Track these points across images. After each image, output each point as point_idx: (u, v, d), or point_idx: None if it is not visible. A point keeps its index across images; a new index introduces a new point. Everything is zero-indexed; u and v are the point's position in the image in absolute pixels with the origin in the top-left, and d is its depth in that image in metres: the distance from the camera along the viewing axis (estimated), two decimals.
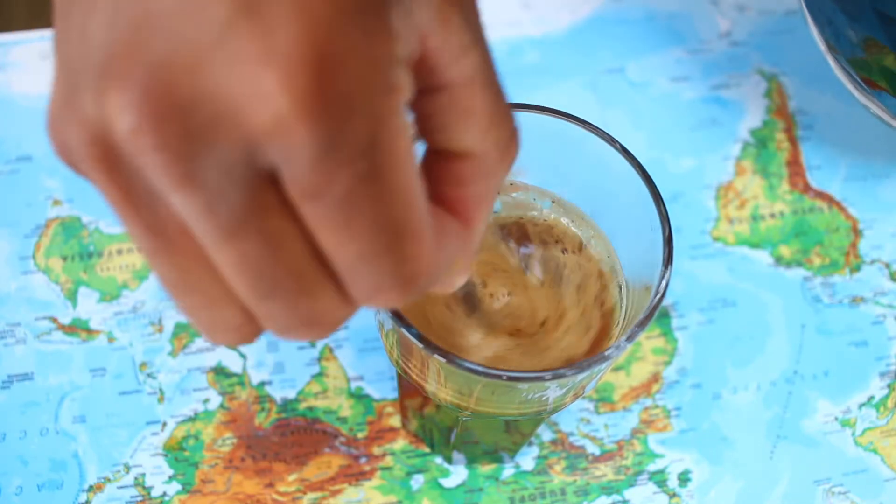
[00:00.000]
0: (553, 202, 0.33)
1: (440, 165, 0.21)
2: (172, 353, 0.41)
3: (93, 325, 0.42)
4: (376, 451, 0.40)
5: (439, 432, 0.37)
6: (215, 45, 0.16)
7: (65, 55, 0.18)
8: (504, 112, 0.21)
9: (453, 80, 0.19)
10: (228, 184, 0.17)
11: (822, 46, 0.37)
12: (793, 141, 0.48)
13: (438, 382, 0.28)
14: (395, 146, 0.17)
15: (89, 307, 0.42)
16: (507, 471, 0.40)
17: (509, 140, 0.21)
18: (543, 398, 0.28)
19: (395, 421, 0.40)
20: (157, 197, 0.18)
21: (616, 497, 0.40)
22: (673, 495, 0.40)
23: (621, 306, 0.32)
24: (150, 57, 0.16)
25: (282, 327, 0.20)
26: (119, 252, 0.43)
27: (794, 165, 0.48)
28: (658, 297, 0.27)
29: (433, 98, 0.20)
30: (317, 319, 0.19)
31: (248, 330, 0.20)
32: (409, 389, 0.35)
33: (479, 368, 0.25)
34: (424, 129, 0.21)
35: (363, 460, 0.40)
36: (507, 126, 0.21)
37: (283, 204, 0.17)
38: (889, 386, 0.42)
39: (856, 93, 0.39)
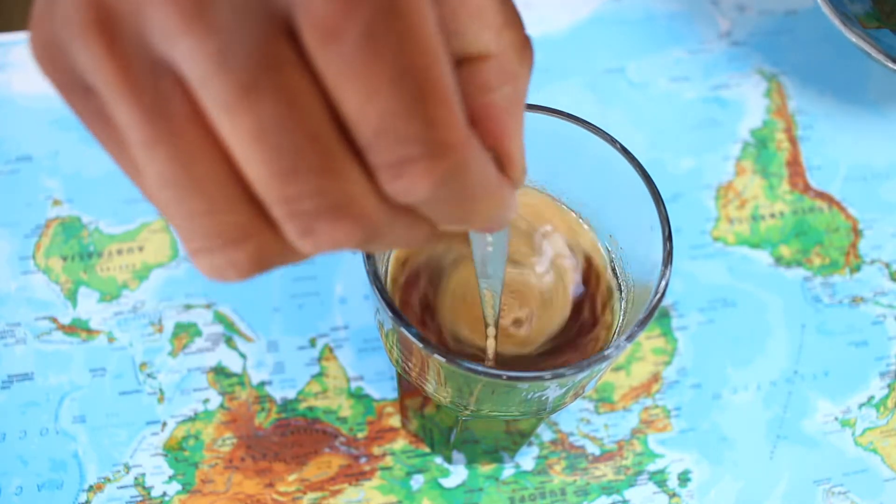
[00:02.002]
0: (553, 201, 0.33)
1: (463, 76, 0.20)
2: (172, 353, 0.41)
3: (93, 325, 0.42)
4: (376, 451, 0.40)
5: (439, 432, 0.37)
6: None
7: None
8: (515, 15, 0.20)
9: None
10: (242, 27, 0.15)
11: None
12: (793, 141, 0.48)
13: (438, 382, 0.28)
14: None
15: (89, 307, 0.42)
16: (507, 471, 0.40)
17: (525, 41, 0.20)
18: (543, 398, 0.28)
19: (395, 421, 0.40)
20: (163, 70, 0.16)
21: (616, 497, 0.40)
22: (673, 495, 0.40)
23: (621, 306, 0.32)
24: None
25: (304, 219, 0.17)
26: (119, 252, 0.43)
27: (794, 165, 0.48)
28: (658, 296, 0.27)
29: (444, 1, 0.19)
30: (345, 204, 0.17)
31: (255, 245, 0.18)
32: (409, 389, 0.35)
33: (479, 368, 0.25)
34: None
35: (363, 460, 0.40)
36: (519, 27, 0.20)
37: (301, 61, 0.16)
38: (889, 386, 0.42)
39: (853, 37, 0.38)
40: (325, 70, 0.16)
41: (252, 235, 0.18)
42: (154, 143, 0.17)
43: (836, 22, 0.39)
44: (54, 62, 0.17)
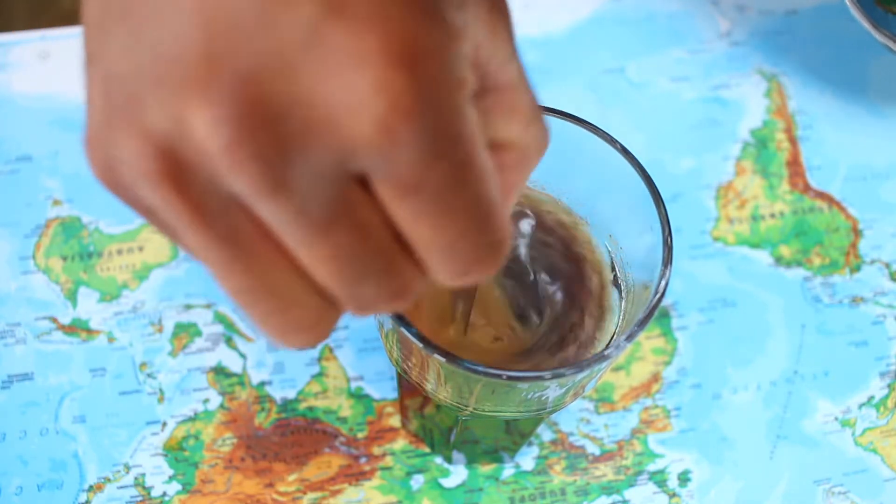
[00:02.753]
0: (552, 201, 0.33)
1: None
2: (172, 353, 0.41)
3: (93, 325, 0.42)
4: (376, 451, 0.40)
5: (439, 432, 0.37)
6: (304, 48, 0.15)
7: (106, 68, 0.17)
8: (539, 111, 0.22)
9: (501, 84, 0.21)
10: (320, 187, 0.17)
11: None
12: (793, 141, 0.48)
13: (438, 382, 0.28)
14: (473, 132, 0.18)
15: (89, 307, 0.42)
16: (507, 471, 0.40)
17: (546, 135, 0.23)
18: (543, 398, 0.28)
19: (395, 421, 0.40)
20: (234, 207, 0.17)
21: (616, 497, 0.40)
22: (673, 495, 0.40)
23: (621, 306, 0.32)
24: (235, 65, 0.15)
25: (367, 306, 0.20)
26: (119, 252, 0.43)
27: (794, 165, 0.48)
28: (658, 296, 0.27)
29: (481, 99, 0.21)
30: (402, 291, 0.20)
31: (323, 326, 0.20)
32: (409, 389, 0.35)
33: (479, 368, 0.25)
34: None
35: (363, 460, 0.40)
36: (542, 122, 0.23)
37: (369, 196, 0.18)
38: (889, 386, 0.42)
39: (874, 31, 0.39)
40: (400, 215, 0.18)
41: (319, 322, 0.20)
42: (227, 262, 0.18)
43: (864, 22, 0.39)
44: (115, 184, 0.18)
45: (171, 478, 0.39)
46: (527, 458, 0.40)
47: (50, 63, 0.48)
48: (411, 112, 0.16)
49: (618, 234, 0.31)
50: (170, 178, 0.17)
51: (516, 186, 0.23)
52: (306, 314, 0.20)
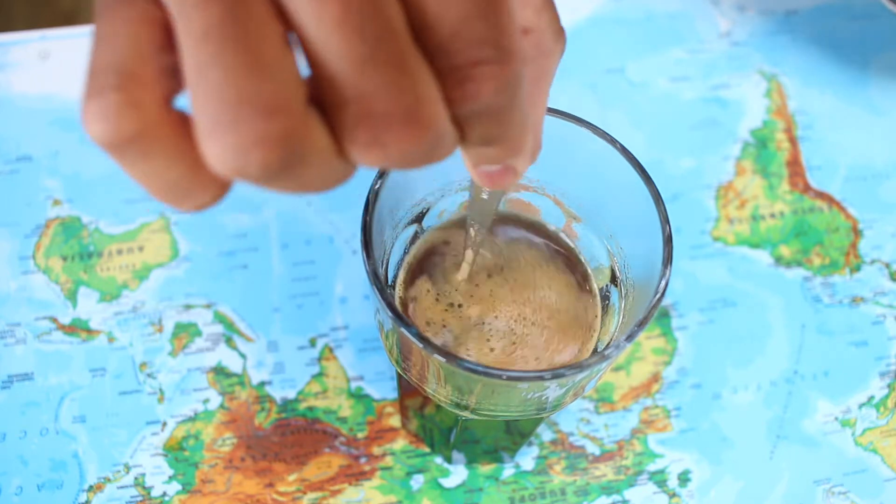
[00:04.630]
0: (552, 201, 0.33)
1: None
2: (172, 353, 0.41)
3: (93, 325, 0.42)
4: (376, 451, 0.40)
5: (439, 432, 0.37)
6: None
7: None
8: (551, 1, 0.22)
9: None
10: None
11: None
12: (793, 141, 0.48)
13: (438, 382, 0.28)
14: None
15: (89, 307, 0.42)
16: (507, 471, 0.40)
17: (559, 25, 0.22)
18: (543, 398, 0.28)
19: (395, 421, 0.40)
20: None
21: (616, 497, 0.40)
22: (673, 495, 0.40)
23: (621, 306, 0.32)
24: None
25: (375, 123, 0.17)
26: (119, 252, 0.43)
27: (794, 165, 0.48)
28: (658, 296, 0.27)
29: None
30: (417, 106, 0.17)
31: (290, 122, 0.16)
32: (409, 389, 0.35)
33: (479, 368, 0.25)
34: None
35: (363, 460, 0.40)
36: (555, 12, 0.22)
37: None
38: (889, 386, 0.42)
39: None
40: None
41: (288, 112, 0.16)
42: None
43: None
44: None
45: (171, 478, 0.39)
46: (527, 458, 0.40)
47: (50, 63, 0.48)
48: None
49: (618, 233, 0.31)
50: None
51: (539, 79, 0.22)
52: (273, 88, 0.16)
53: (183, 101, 0.18)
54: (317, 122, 0.17)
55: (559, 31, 0.22)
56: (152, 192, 0.19)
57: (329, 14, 0.16)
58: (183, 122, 0.18)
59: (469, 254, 0.31)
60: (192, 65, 0.16)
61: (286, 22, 0.16)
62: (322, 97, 0.17)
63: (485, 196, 0.28)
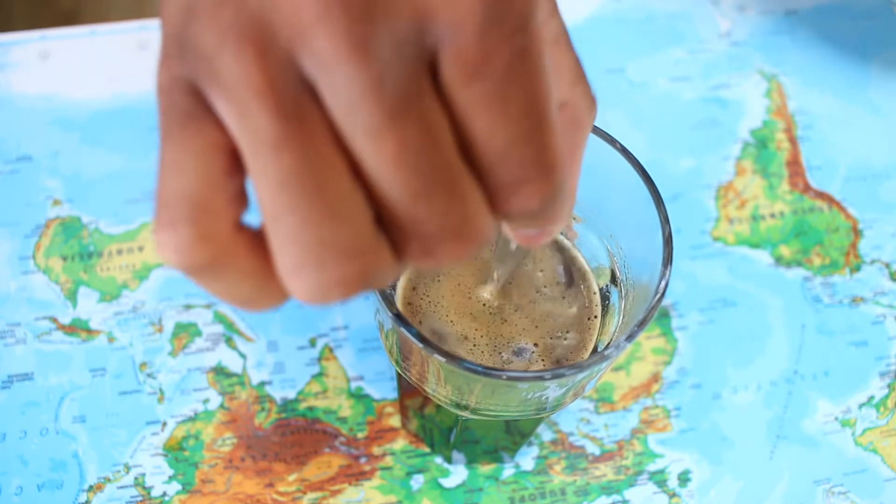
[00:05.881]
0: None
1: None
2: (172, 353, 0.41)
3: (93, 325, 0.42)
4: (376, 451, 0.40)
5: (439, 432, 0.37)
6: None
7: None
8: (584, 72, 0.23)
9: (545, 39, 0.21)
10: (398, 60, 0.17)
11: None
12: (793, 141, 0.48)
13: (438, 382, 0.28)
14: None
15: (89, 307, 0.42)
16: (507, 471, 0.40)
17: (592, 98, 0.23)
18: (543, 398, 0.28)
19: (395, 421, 0.40)
20: (305, 92, 0.17)
21: (616, 497, 0.40)
22: (673, 495, 0.40)
23: (621, 306, 0.32)
24: None
25: (428, 240, 0.18)
26: (119, 252, 0.43)
27: (794, 165, 0.48)
28: (658, 296, 0.27)
29: None
30: (465, 224, 0.18)
31: (367, 260, 0.18)
32: (409, 389, 0.35)
33: (479, 368, 0.25)
34: None
35: (363, 460, 0.40)
36: (588, 84, 0.23)
37: (438, 95, 0.18)
38: (889, 386, 0.42)
39: None
40: (464, 102, 0.18)
41: (365, 250, 0.18)
42: (286, 142, 0.17)
43: None
44: (181, 54, 0.18)
45: (171, 478, 0.39)
46: (527, 458, 0.40)
47: (50, 63, 0.48)
48: None
49: (618, 233, 0.31)
50: (254, 42, 0.17)
51: (573, 151, 0.23)
52: (350, 233, 0.18)
53: (251, 216, 0.19)
54: (385, 247, 0.19)
55: (592, 103, 0.23)
56: (226, 302, 0.20)
57: (386, 154, 0.17)
58: (253, 241, 0.19)
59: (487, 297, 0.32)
60: (269, 210, 0.18)
61: (349, 155, 0.18)
62: (380, 214, 0.18)
63: (513, 247, 0.29)
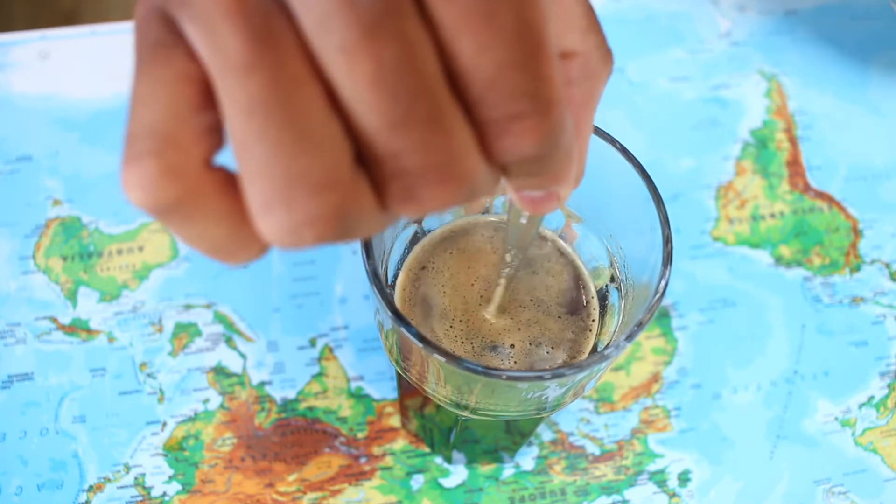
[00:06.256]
0: None
1: None
2: (172, 353, 0.41)
3: (93, 325, 0.42)
4: (376, 451, 0.40)
5: (439, 432, 0.37)
6: None
7: None
8: (598, 21, 0.22)
9: None
10: None
11: None
12: (793, 141, 0.48)
13: (438, 382, 0.28)
14: None
15: (89, 307, 0.42)
16: (507, 471, 0.40)
17: (607, 47, 0.22)
18: (543, 398, 0.28)
19: (395, 421, 0.40)
20: (276, 9, 0.16)
21: (616, 497, 0.40)
22: (673, 495, 0.40)
23: (621, 306, 0.32)
24: None
25: (409, 178, 0.17)
26: (119, 252, 0.43)
27: (794, 165, 0.48)
28: (658, 296, 0.27)
29: None
30: (450, 162, 0.17)
31: (341, 195, 0.17)
32: (409, 389, 0.35)
33: (479, 368, 0.25)
34: None
35: (363, 460, 0.40)
36: (602, 34, 0.22)
37: (420, 11, 0.16)
38: (889, 386, 0.42)
39: None
40: (445, 19, 0.16)
41: (339, 184, 0.17)
42: (255, 64, 0.16)
43: None
44: None
45: (171, 478, 0.39)
46: (527, 458, 0.40)
47: (50, 63, 0.48)
48: None
49: (618, 233, 0.31)
50: None
51: (586, 102, 0.22)
52: (325, 165, 0.16)
53: (224, 157, 0.18)
54: (363, 184, 0.17)
55: (607, 53, 0.22)
56: (199, 251, 0.18)
57: (361, 74, 0.16)
58: (225, 182, 0.17)
59: (500, 290, 0.31)
60: (238, 138, 0.16)
61: (324, 79, 0.16)
62: (360, 150, 0.17)
63: (523, 220, 0.27)
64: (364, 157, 0.17)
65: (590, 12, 0.21)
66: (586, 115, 0.22)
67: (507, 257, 0.30)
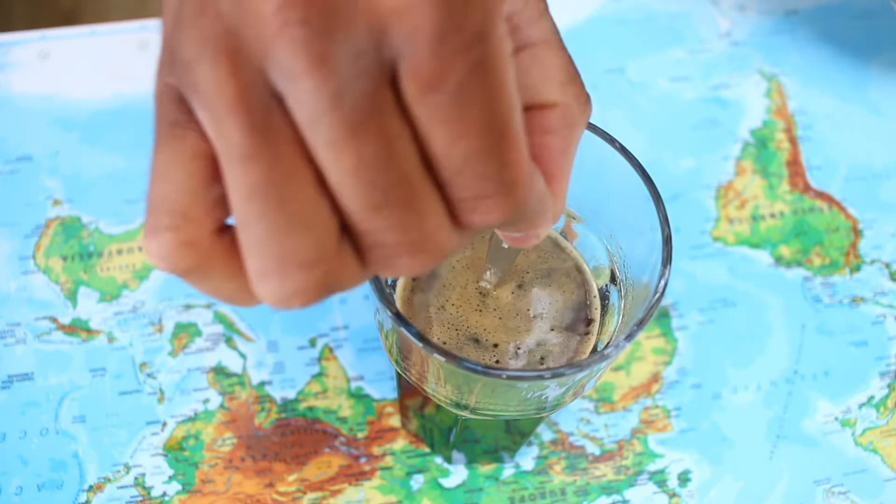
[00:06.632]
0: None
1: (528, 119, 0.23)
2: (172, 353, 0.41)
3: (93, 325, 0.42)
4: (376, 451, 0.40)
5: (439, 432, 0.37)
6: None
7: None
8: (576, 72, 0.23)
9: (534, 39, 0.22)
10: (356, 73, 0.17)
11: None
12: (793, 141, 0.48)
13: (438, 382, 0.28)
14: (500, 42, 0.18)
15: (89, 307, 0.42)
16: (507, 471, 0.40)
17: (586, 97, 0.23)
18: (543, 397, 0.28)
19: (395, 421, 0.40)
20: (274, 105, 0.18)
21: (616, 497, 0.40)
22: (673, 495, 0.40)
23: (621, 305, 0.32)
24: None
25: (386, 251, 0.19)
26: (119, 252, 0.43)
27: (794, 165, 0.48)
28: (657, 296, 0.27)
29: (516, 58, 0.21)
30: (423, 239, 0.19)
31: (326, 269, 0.19)
32: (409, 389, 0.35)
33: (479, 367, 0.25)
34: None
35: (363, 460, 0.40)
36: (581, 84, 0.23)
37: (398, 108, 0.18)
38: (889, 386, 0.42)
39: None
40: (421, 116, 0.18)
41: (325, 260, 0.19)
42: (254, 156, 0.18)
43: None
44: (173, 63, 0.19)
45: (171, 478, 0.39)
46: (527, 458, 0.40)
47: (50, 63, 0.48)
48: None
49: (618, 233, 0.31)
50: (229, 56, 0.17)
51: (564, 151, 0.23)
52: (312, 243, 0.19)
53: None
54: (348, 253, 0.19)
55: (585, 102, 0.23)
56: (215, 299, 0.21)
57: (345, 166, 0.18)
58: (232, 247, 0.20)
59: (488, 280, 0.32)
60: (239, 216, 0.19)
61: (315, 164, 0.18)
62: (345, 222, 0.19)
63: (505, 246, 0.28)
64: (349, 228, 0.19)
65: (569, 65, 0.23)
66: (565, 161, 0.23)
67: (487, 274, 0.31)
